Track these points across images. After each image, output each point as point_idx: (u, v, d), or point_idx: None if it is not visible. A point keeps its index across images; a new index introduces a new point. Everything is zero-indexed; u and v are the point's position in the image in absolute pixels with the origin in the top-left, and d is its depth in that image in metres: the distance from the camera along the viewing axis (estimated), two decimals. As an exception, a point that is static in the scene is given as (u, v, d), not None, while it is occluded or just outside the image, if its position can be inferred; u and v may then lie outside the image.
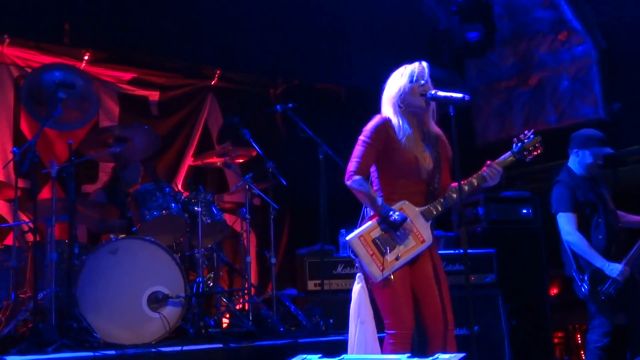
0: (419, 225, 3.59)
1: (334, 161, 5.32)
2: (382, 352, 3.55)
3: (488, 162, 3.70)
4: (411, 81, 3.67)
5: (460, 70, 8.07)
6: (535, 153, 3.78)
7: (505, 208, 6.25)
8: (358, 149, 3.66)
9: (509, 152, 3.76)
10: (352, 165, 3.65)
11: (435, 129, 3.79)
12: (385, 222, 3.54)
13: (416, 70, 3.69)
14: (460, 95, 3.61)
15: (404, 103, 3.67)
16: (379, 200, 3.58)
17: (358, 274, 3.63)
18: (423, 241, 3.59)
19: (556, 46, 7.41)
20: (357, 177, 3.60)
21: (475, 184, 3.68)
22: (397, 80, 3.71)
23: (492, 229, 6.16)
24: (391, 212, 3.52)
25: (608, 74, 7.08)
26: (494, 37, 7.48)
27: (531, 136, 3.79)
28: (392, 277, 3.50)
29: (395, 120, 3.66)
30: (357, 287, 3.60)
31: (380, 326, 3.62)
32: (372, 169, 3.72)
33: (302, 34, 6.92)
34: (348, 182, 3.63)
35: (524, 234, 6.23)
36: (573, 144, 4.92)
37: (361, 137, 3.68)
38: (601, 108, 7.06)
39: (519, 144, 3.77)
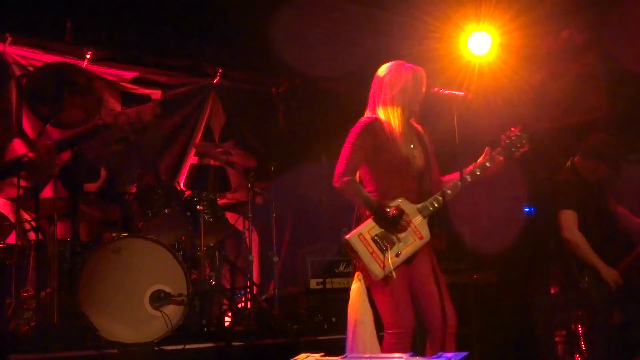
0: (417, 222, 3.58)
1: (336, 159, 5.29)
2: (383, 351, 3.52)
3: (487, 149, 3.75)
4: (419, 86, 3.68)
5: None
6: (522, 150, 3.81)
7: (507, 206, 6.25)
8: (346, 151, 3.64)
9: (499, 148, 3.80)
10: (339, 167, 3.62)
11: (416, 125, 3.78)
12: (382, 219, 3.51)
13: (423, 78, 3.70)
14: (462, 93, 3.67)
15: (400, 103, 3.66)
16: (373, 199, 3.56)
17: (357, 273, 3.58)
18: (421, 237, 3.58)
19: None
20: (346, 179, 3.58)
21: (478, 173, 3.71)
22: (402, 79, 3.68)
23: (495, 227, 6.15)
24: (387, 209, 3.50)
25: (613, 71, 7.05)
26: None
27: (519, 133, 3.82)
28: (393, 274, 3.49)
29: (385, 118, 3.64)
30: (355, 286, 3.55)
31: (378, 325, 3.57)
32: (365, 170, 3.69)
33: (304, 33, 6.90)
34: (337, 185, 3.60)
35: (526, 231, 6.21)
36: (585, 146, 4.84)
37: (348, 139, 3.66)
38: (606, 105, 7.03)
39: (507, 141, 3.81)
